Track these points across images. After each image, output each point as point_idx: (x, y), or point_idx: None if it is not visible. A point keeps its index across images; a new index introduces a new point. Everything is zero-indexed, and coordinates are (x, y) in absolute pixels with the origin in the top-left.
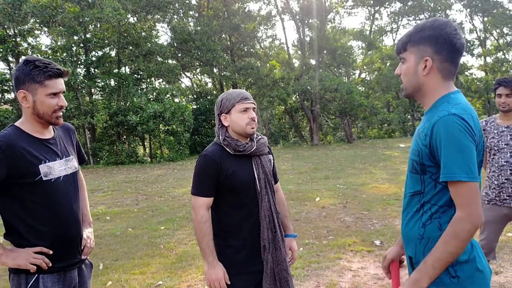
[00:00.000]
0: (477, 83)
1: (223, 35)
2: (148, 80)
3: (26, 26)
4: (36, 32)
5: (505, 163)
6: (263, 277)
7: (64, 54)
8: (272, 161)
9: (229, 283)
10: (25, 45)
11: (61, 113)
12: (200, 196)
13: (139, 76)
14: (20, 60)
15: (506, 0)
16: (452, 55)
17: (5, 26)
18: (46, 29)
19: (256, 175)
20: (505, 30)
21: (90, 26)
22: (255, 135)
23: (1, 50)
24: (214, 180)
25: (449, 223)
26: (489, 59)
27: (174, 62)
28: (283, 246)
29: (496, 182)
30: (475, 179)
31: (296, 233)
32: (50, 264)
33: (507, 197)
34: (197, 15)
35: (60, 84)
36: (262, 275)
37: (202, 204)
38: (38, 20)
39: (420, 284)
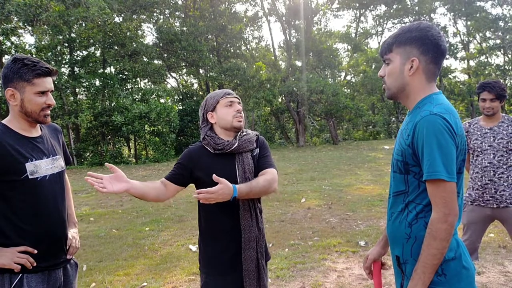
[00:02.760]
0: (460, 86)
1: (209, 36)
2: (134, 81)
3: (10, 25)
4: (20, 31)
5: (488, 164)
6: (243, 277)
7: (49, 54)
8: (257, 154)
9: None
10: (8, 44)
11: (49, 112)
12: (166, 177)
13: (124, 76)
14: (8, 58)
15: (488, 4)
16: (437, 56)
17: None
18: (30, 28)
19: (237, 173)
20: (488, 34)
21: (75, 25)
22: (240, 132)
23: None
24: (182, 172)
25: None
26: (472, 63)
27: (160, 62)
28: (260, 247)
29: (479, 183)
30: (454, 179)
31: (236, 193)
32: (35, 264)
33: (490, 198)
34: (183, 15)
35: (48, 83)
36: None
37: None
38: (22, 19)
39: None
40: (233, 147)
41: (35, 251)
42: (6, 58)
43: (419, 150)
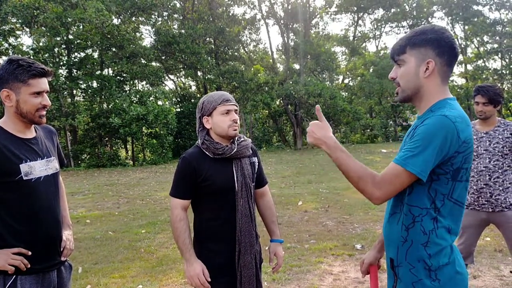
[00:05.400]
0: (458, 90)
1: (208, 39)
2: (131, 83)
3: (7, 26)
4: (17, 32)
5: (484, 169)
6: (241, 282)
7: (46, 55)
8: (257, 163)
9: (209, 279)
10: (6, 45)
11: (45, 112)
12: (176, 197)
13: (122, 78)
14: (3, 60)
15: (486, 9)
16: (451, 59)
17: None
18: (27, 29)
19: (235, 178)
20: (485, 38)
21: (73, 27)
22: (237, 137)
23: None
24: (190, 183)
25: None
26: (469, 67)
27: (157, 64)
28: (256, 251)
29: (475, 187)
30: (417, 172)
31: (282, 239)
32: (29, 265)
33: (486, 202)
34: (181, 18)
35: (43, 83)
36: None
37: (177, 205)
38: (19, 20)
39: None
40: (232, 152)
41: (29, 253)
42: (3, 59)
43: (414, 135)
